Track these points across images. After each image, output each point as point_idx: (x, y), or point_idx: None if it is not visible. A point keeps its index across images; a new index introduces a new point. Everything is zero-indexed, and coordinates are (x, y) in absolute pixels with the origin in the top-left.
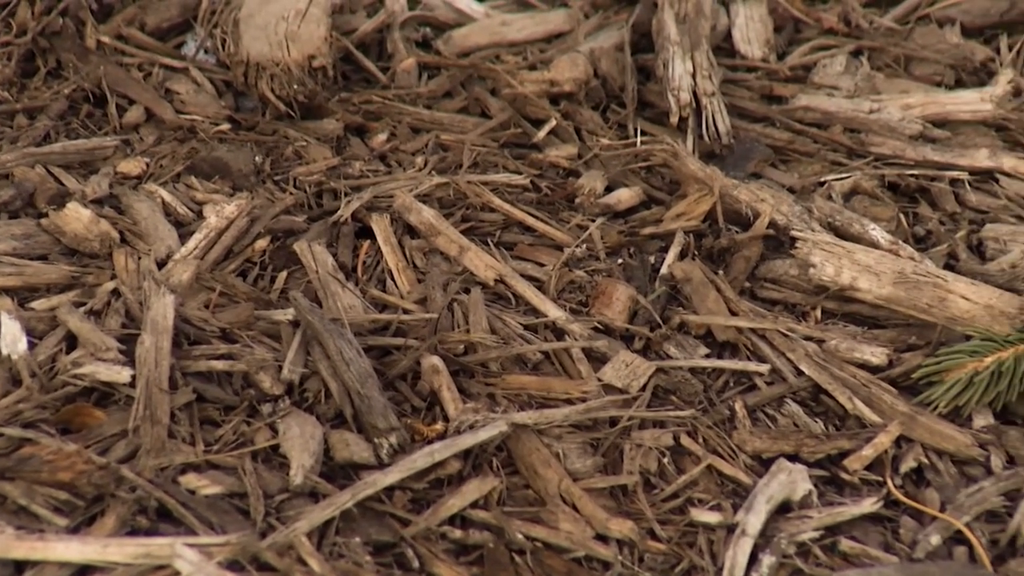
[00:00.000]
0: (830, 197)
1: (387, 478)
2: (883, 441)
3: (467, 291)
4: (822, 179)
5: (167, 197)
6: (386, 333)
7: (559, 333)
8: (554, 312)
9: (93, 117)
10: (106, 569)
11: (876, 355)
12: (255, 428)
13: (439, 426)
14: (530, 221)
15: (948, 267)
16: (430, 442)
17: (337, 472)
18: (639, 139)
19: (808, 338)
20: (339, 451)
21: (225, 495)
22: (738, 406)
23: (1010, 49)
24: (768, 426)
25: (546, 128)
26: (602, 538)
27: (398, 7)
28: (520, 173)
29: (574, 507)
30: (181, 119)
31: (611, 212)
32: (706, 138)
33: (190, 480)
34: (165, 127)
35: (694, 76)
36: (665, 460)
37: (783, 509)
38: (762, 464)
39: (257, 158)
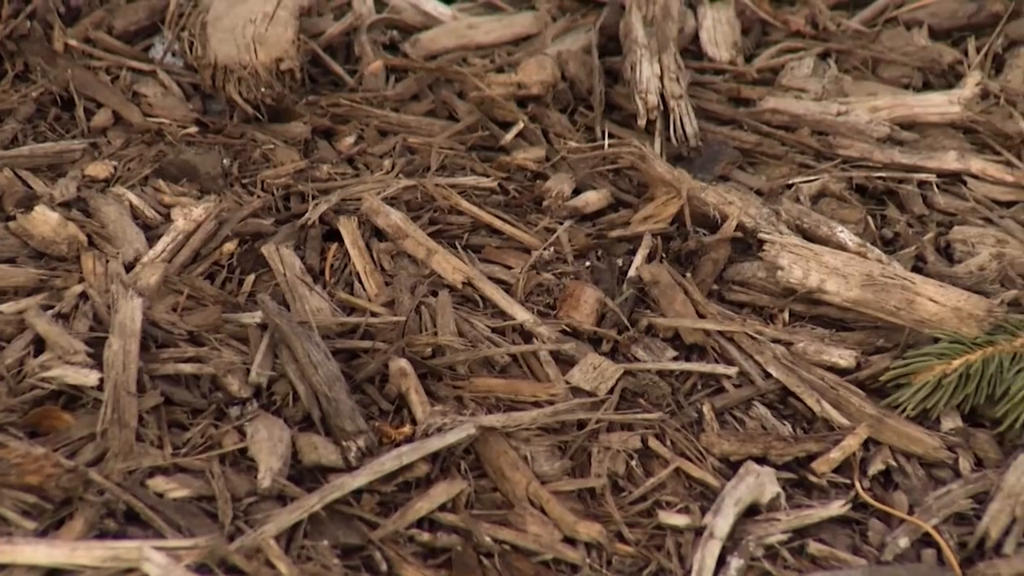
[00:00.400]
0: (798, 200)
1: (355, 481)
2: (851, 444)
3: (435, 294)
4: (790, 182)
5: (135, 200)
6: (354, 336)
7: (527, 336)
8: (522, 315)
9: (61, 120)
10: (74, 572)
11: (844, 358)
12: (223, 431)
13: (407, 429)
14: (498, 224)
15: (916, 269)
16: (398, 445)
17: (305, 475)
18: (607, 142)
19: (776, 340)
20: (307, 454)
21: (193, 498)
22: (706, 409)
23: (978, 51)
24: (736, 429)
25: (514, 131)
26: (570, 541)
27: (365, 10)
28: (488, 176)
29: (542, 510)
30: (149, 122)
31: (579, 215)
32: (674, 141)
33: (158, 483)
34: (133, 130)
35: (661, 79)
36: (633, 463)
37: (751, 512)
38: (730, 467)
39: (225, 161)
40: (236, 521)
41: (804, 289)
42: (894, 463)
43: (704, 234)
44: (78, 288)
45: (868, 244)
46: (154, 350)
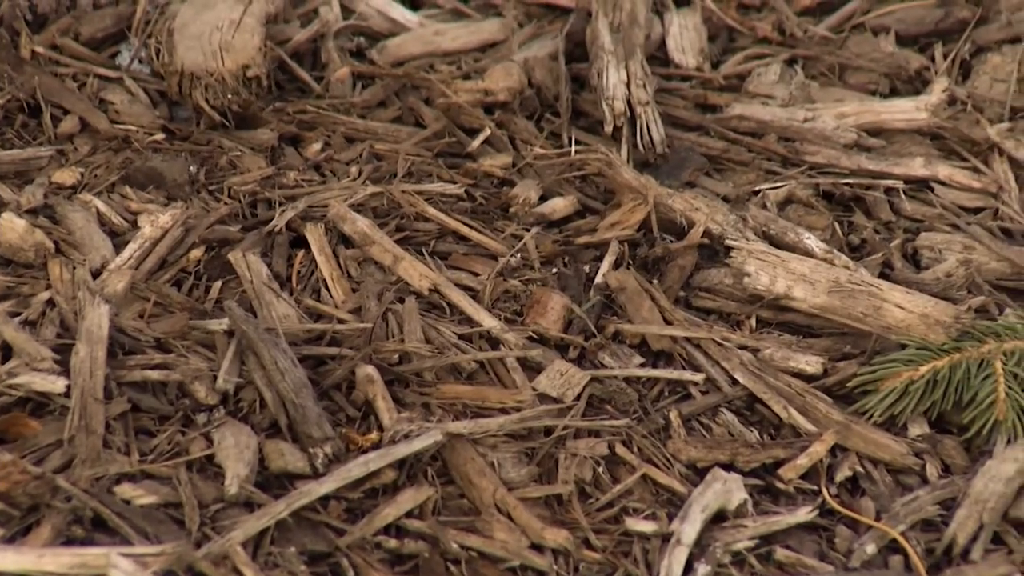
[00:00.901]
0: (765, 206)
1: (322, 488)
2: (818, 450)
3: (401, 300)
4: (757, 188)
5: (102, 207)
6: (321, 343)
7: (494, 342)
8: (489, 321)
9: (28, 127)
10: None
11: (811, 364)
12: (190, 438)
13: (374, 435)
14: (464, 230)
15: (883, 276)
16: (365, 452)
17: (272, 482)
18: (573, 148)
19: (743, 347)
20: (274, 461)
21: (160, 505)
22: (673, 415)
23: (945, 58)
24: (703, 435)
25: (480, 137)
26: (537, 547)
27: (332, 17)
28: (454, 182)
29: (509, 516)
30: (116, 129)
31: (545, 221)
32: (640, 147)
33: (125, 490)
34: (100, 137)
35: (628, 85)
36: (600, 469)
37: (718, 518)
38: (697, 473)
39: (192, 168)
40: (203, 528)
41: (771, 295)
42: (861, 469)
43: (671, 240)
44: (45, 295)
45: (835, 250)
46: (121, 357)
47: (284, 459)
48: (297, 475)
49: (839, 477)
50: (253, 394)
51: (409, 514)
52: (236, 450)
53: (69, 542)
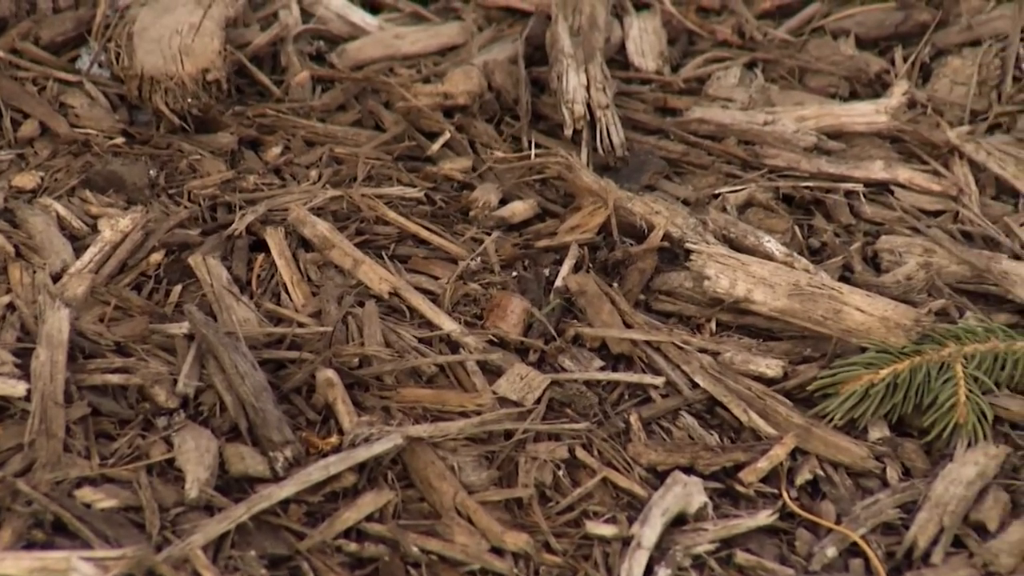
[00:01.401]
0: (725, 209)
1: (282, 491)
2: (778, 453)
3: (361, 304)
4: (717, 191)
5: (62, 211)
6: (281, 346)
7: (454, 346)
8: (449, 325)
9: None
10: None
11: (771, 367)
12: (150, 442)
13: (334, 439)
14: (424, 234)
15: (843, 279)
16: (325, 455)
17: (232, 485)
18: (533, 152)
19: (703, 350)
20: (234, 464)
21: (121, 509)
22: (633, 419)
23: (905, 60)
24: (663, 439)
25: (440, 141)
26: (497, 551)
27: (292, 20)
28: (414, 186)
29: (469, 520)
30: (76, 133)
31: (505, 225)
32: (600, 151)
33: (86, 494)
34: (60, 141)
35: (588, 89)
36: (560, 473)
37: (678, 522)
38: (657, 477)
39: (151, 172)
40: (163, 531)
41: (731, 299)
42: (821, 473)
43: (631, 244)
44: (5, 299)
45: (795, 254)
46: (81, 361)
47: (244, 463)
48: (257, 479)
49: (799, 480)
50: (213, 398)
51: (369, 518)
52: (196, 454)
53: (30, 546)
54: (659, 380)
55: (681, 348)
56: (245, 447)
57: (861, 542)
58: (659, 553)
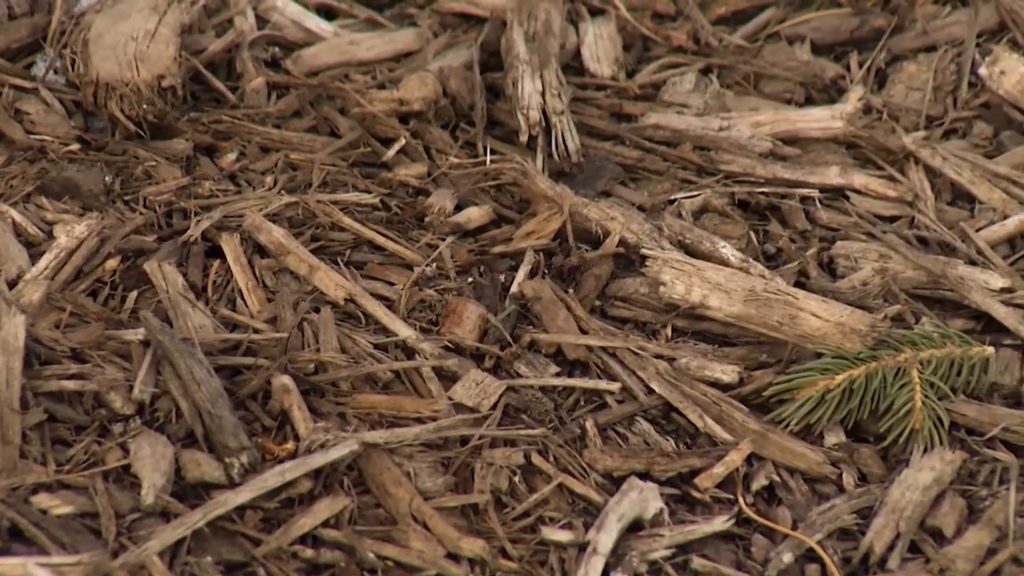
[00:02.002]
0: (680, 215)
1: (238, 497)
2: (734, 459)
3: (317, 310)
4: (672, 197)
5: (17, 217)
6: (236, 352)
7: (409, 352)
8: (404, 331)
9: None
10: None
11: (727, 373)
12: (106, 448)
13: (290, 445)
14: (380, 240)
15: (799, 285)
16: (281, 461)
17: (188, 492)
18: (489, 158)
19: (659, 356)
20: (190, 471)
21: (77, 515)
22: (589, 425)
23: (860, 66)
24: (619, 444)
25: (395, 147)
26: (453, 557)
27: (247, 27)
28: (370, 192)
29: (425, 526)
30: (31, 139)
31: (461, 231)
32: (556, 156)
33: (42, 500)
34: (15, 148)
35: (543, 95)
36: (516, 479)
37: (634, 527)
38: (613, 482)
39: (107, 178)
40: (120, 538)
41: (687, 305)
42: (777, 478)
43: (586, 250)
44: None
45: (751, 259)
46: (37, 367)
47: (200, 469)
48: (213, 485)
49: (755, 486)
50: (169, 404)
51: (325, 523)
52: (152, 460)
53: None
54: (615, 386)
55: (637, 354)
56: (201, 453)
57: (817, 548)
58: (615, 559)
